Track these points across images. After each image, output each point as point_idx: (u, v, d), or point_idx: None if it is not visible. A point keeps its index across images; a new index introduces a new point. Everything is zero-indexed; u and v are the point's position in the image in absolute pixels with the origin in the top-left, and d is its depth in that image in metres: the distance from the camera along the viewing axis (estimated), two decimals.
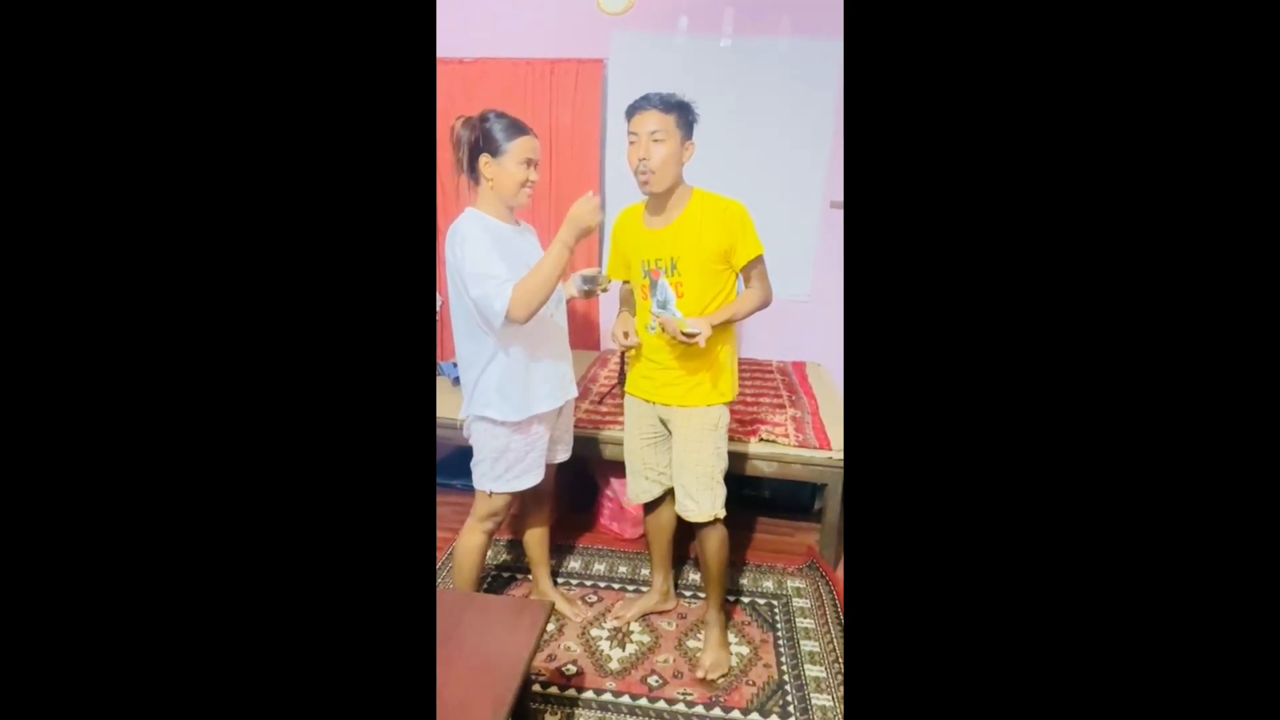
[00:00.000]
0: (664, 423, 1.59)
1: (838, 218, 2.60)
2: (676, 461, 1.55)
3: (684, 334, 1.36)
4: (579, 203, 1.32)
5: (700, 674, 1.60)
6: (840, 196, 2.63)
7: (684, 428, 1.53)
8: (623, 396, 2.14)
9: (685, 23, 2.56)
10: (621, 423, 2.05)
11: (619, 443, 2.02)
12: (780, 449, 1.94)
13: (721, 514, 1.55)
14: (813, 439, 2.00)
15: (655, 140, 1.37)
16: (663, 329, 1.42)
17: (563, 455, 1.71)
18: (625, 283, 1.64)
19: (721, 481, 1.55)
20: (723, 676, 1.60)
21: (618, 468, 2.12)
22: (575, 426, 2.04)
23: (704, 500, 1.53)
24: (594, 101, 2.65)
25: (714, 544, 1.58)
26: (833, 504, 1.98)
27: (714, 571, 1.61)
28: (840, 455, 1.92)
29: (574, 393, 1.65)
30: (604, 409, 2.17)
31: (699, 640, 1.72)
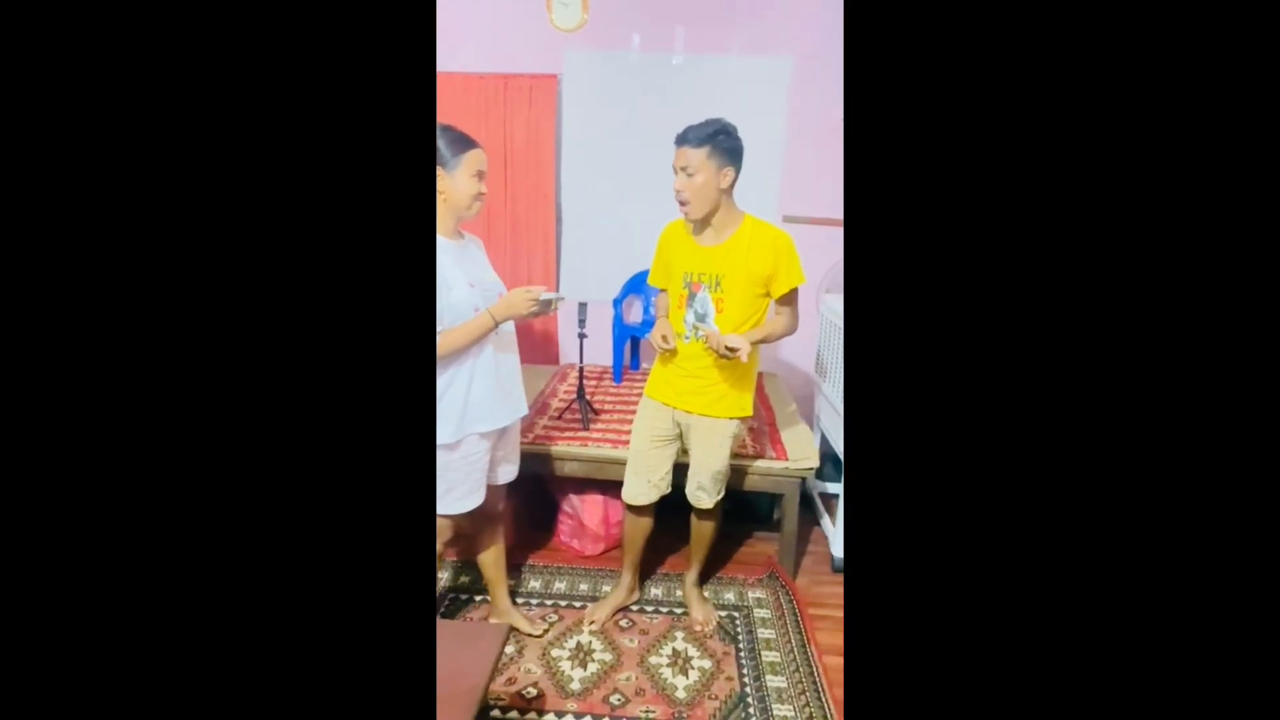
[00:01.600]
0: (679, 426, 1.69)
1: (791, 231, 2.65)
2: (695, 462, 1.71)
3: (727, 348, 1.45)
4: (517, 293, 1.42)
5: (698, 629, 1.81)
6: (792, 211, 2.69)
7: (705, 435, 1.66)
8: (585, 411, 2.14)
9: (638, 40, 2.60)
10: (582, 439, 2.04)
11: (578, 459, 2.00)
12: (740, 460, 1.96)
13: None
14: (769, 449, 2.02)
15: (689, 175, 1.47)
16: (706, 341, 1.53)
17: (506, 476, 1.66)
18: (664, 290, 1.71)
19: (728, 474, 1.75)
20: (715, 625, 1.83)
21: (576, 484, 2.10)
22: (533, 443, 2.02)
23: (714, 492, 1.73)
24: (549, 117, 2.65)
25: (711, 527, 1.81)
26: (790, 514, 2.00)
27: (704, 549, 1.85)
28: (797, 466, 1.95)
29: (522, 412, 1.61)
30: (562, 424, 2.16)
31: (661, 656, 1.71)
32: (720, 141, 1.47)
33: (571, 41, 2.60)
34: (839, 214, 2.64)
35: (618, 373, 2.63)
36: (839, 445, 2.16)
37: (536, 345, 2.91)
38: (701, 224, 1.57)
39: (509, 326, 1.54)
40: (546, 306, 1.46)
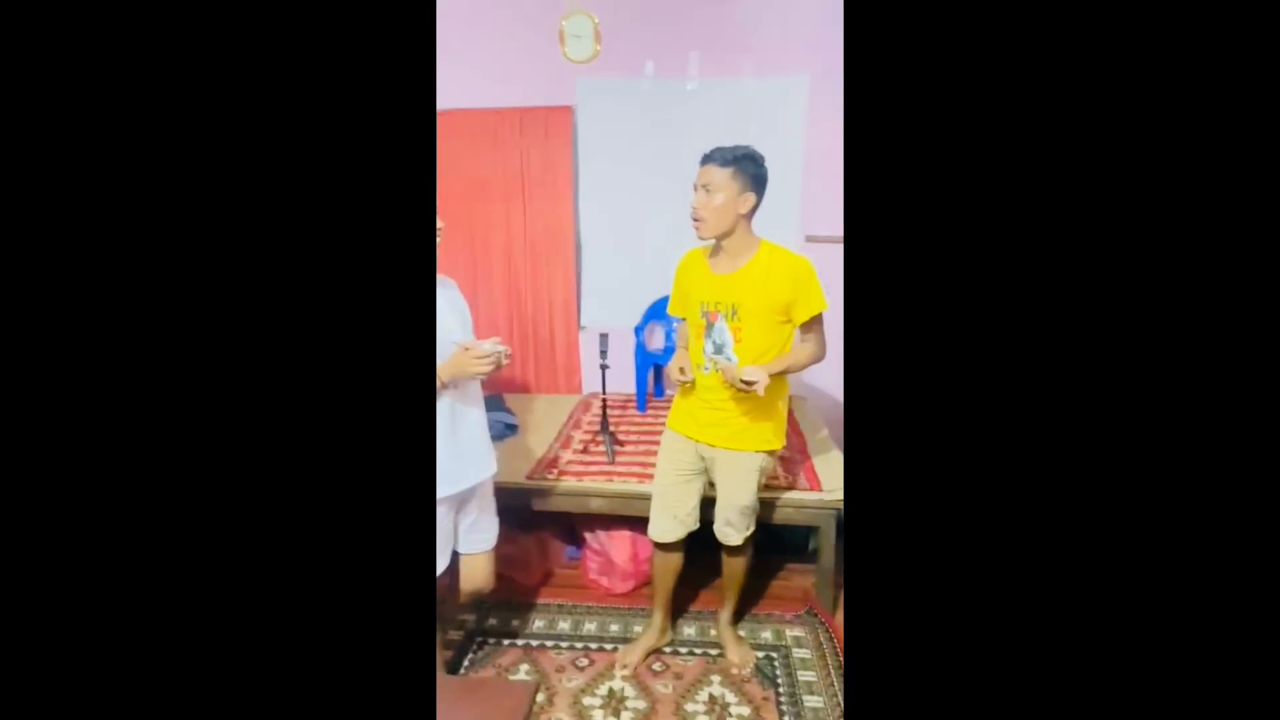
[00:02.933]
0: (703, 459, 1.63)
1: (814, 251, 2.60)
2: (721, 497, 1.64)
3: (743, 381, 1.39)
4: (460, 353, 1.29)
5: (735, 672, 1.74)
6: (815, 230, 2.64)
7: (729, 469, 1.60)
8: (609, 444, 2.10)
9: (651, 67, 2.59)
10: (607, 474, 2.00)
11: (604, 494, 1.95)
12: (770, 492, 1.89)
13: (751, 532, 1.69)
14: (803, 480, 1.95)
15: (708, 191, 1.44)
16: (721, 375, 1.48)
17: (481, 544, 1.52)
18: (684, 320, 1.67)
19: (757, 507, 1.67)
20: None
21: (603, 519, 2.05)
22: (558, 478, 1.98)
23: (742, 527, 1.66)
24: (565, 147, 2.65)
25: (742, 563, 1.74)
26: (826, 547, 1.92)
27: (737, 586, 1.77)
28: (832, 496, 1.87)
29: (489, 471, 1.48)
30: (586, 458, 2.11)
31: (697, 703, 1.64)
32: (745, 165, 1.45)
33: (585, 71, 2.61)
34: None
35: (641, 401, 2.59)
36: None
37: (559, 375, 2.88)
38: (717, 250, 1.53)
39: (472, 390, 1.42)
40: (497, 363, 1.32)
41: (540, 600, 2.04)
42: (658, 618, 1.80)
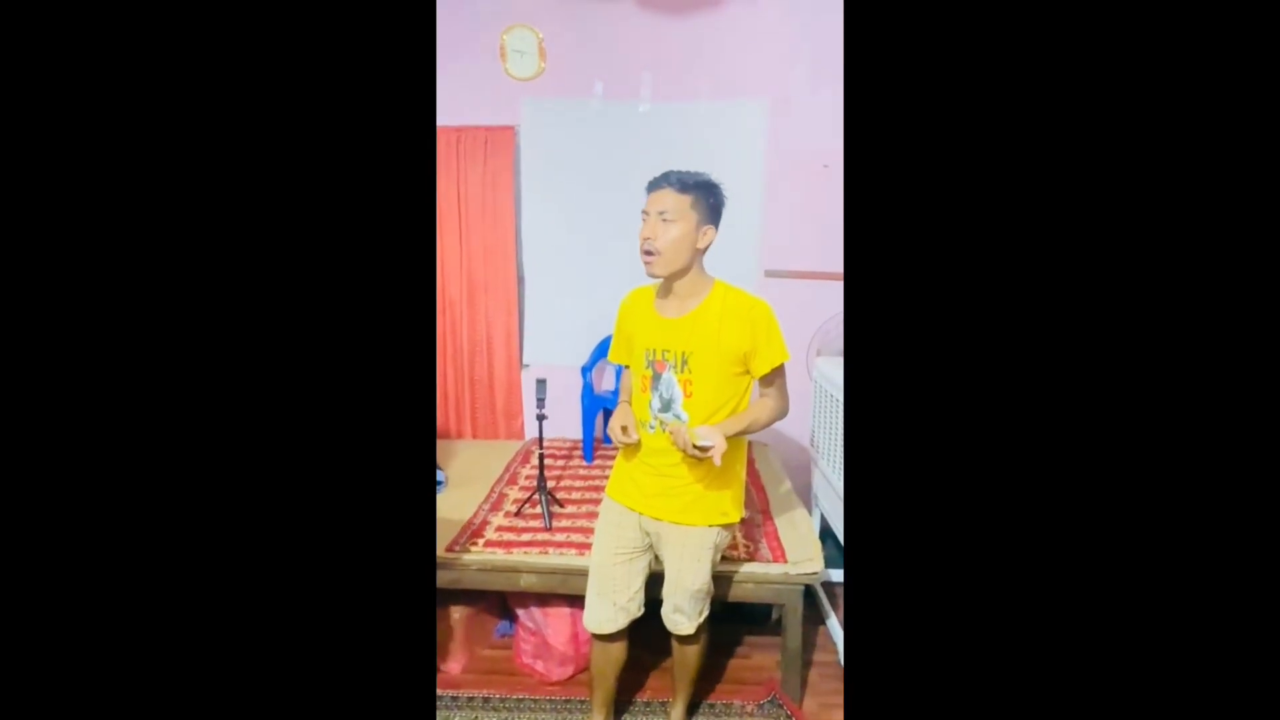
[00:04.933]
0: (648, 534, 1.40)
1: (775, 287, 2.42)
2: (670, 579, 1.40)
3: (696, 447, 1.19)
4: None
5: None
6: (774, 265, 2.46)
7: (679, 547, 1.36)
8: (545, 506, 1.83)
9: (601, 87, 2.40)
10: (542, 544, 1.73)
11: (538, 570, 1.68)
12: (727, 565, 1.64)
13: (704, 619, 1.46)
14: (764, 550, 1.72)
15: (664, 220, 1.24)
16: (671, 438, 1.25)
17: None
18: (627, 368, 1.44)
19: (711, 590, 1.44)
20: None
21: (538, 596, 1.77)
22: (485, 548, 1.70)
23: (693, 614, 1.42)
24: (507, 171, 2.43)
25: (695, 651, 1.50)
26: (792, 625, 1.68)
27: (690, 677, 1.54)
28: (798, 570, 1.64)
29: None
30: (521, 524, 1.84)
31: None
32: (705, 194, 1.26)
33: (529, 89, 2.40)
34: (826, 266, 2.41)
35: (588, 451, 2.33)
36: (840, 528, 1.86)
37: (499, 418, 2.61)
38: (670, 289, 1.31)
39: None
40: None
41: (463, 692, 1.74)
42: (598, 718, 1.52)
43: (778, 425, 2.61)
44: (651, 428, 1.33)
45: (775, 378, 1.32)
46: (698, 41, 2.34)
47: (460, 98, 2.39)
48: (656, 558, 1.44)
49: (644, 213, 1.28)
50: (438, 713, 1.66)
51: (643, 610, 1.44)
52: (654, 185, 1.28)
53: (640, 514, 1.38)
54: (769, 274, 2.46)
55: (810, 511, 2.13)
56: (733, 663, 1.89)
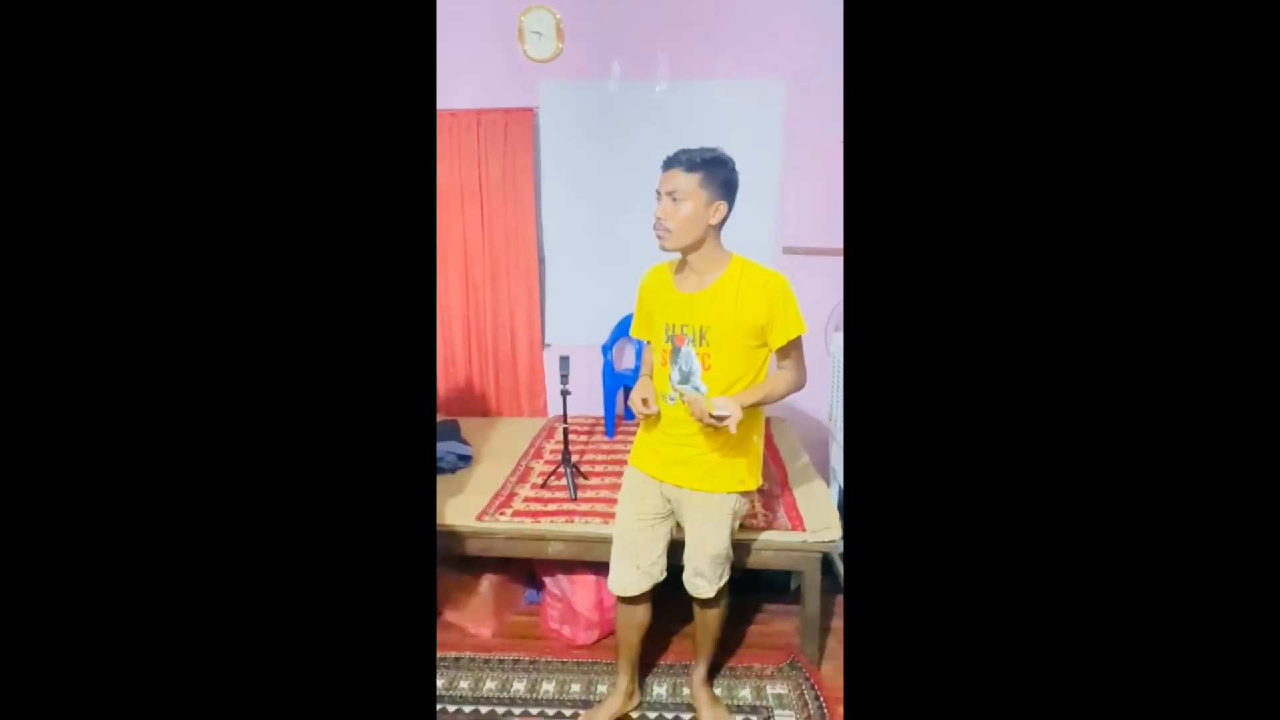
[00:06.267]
0: (669, 502, 1.45)
1: (793, 264, 2.44)
2: (690, 544, 1.46)
3: (712, 416, 1.23)
4: None
5: None
6: (792, 242, 2.48)
7: (699, 513, 1.42)
8: (570, 478, 1.90)
9: (618, 68, 2.42)
10: (568, 514, 1.79)
11: (564, 538, 1.75)
12: (746, 533, 1.70)
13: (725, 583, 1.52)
14: (783, 518, 1.77)
15: (675, 199, 1.28)
16: (689, 409, 1.29)
17: None
18: (648, 343, 1.49)
19: (731, 553, 1.50)
20: None
21: (567, 563, 1.84)
22: (513, 519, 1.78)
23: (714, 578, 1.48)
24: (526, 152, 2.46)
25: (717, 615, 1.55)
26: (810, 593, 1.73)
27: (711, 640, 1.59)
28: (816, 537, 1.69)
29: None
30: (547, 495, 1.91)
31: None
32: (715, 171, 1.28)
33: (547, 72, 2.43)
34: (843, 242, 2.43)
35: (610, 426, 2.39)
36: None
37: (522, 396, 2.68)
38: (687, 265, 1.36)
39: None
40: None
41: (494, 655, 1.82)
42: (623, 679, 1.59)
43: (796, 401, 2.65)
44: (671, 400, 1.38)
45: (792, 350, 1.36)
46: (714, 21, 2.35)
47: (479, 81, 2.43)
48: (678, 525, 1.49)
49: (657, 192, 1.32)
50: (470, 673, 1.75)
51: (664, 575, 1.50)
52: (666, 165, 1.31)
53: (661, 482, 1.44)
54: (787, 250, 2.48)
55: (829, 484, 2.17)
56: (753, 629, 1.95)
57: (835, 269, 2.42)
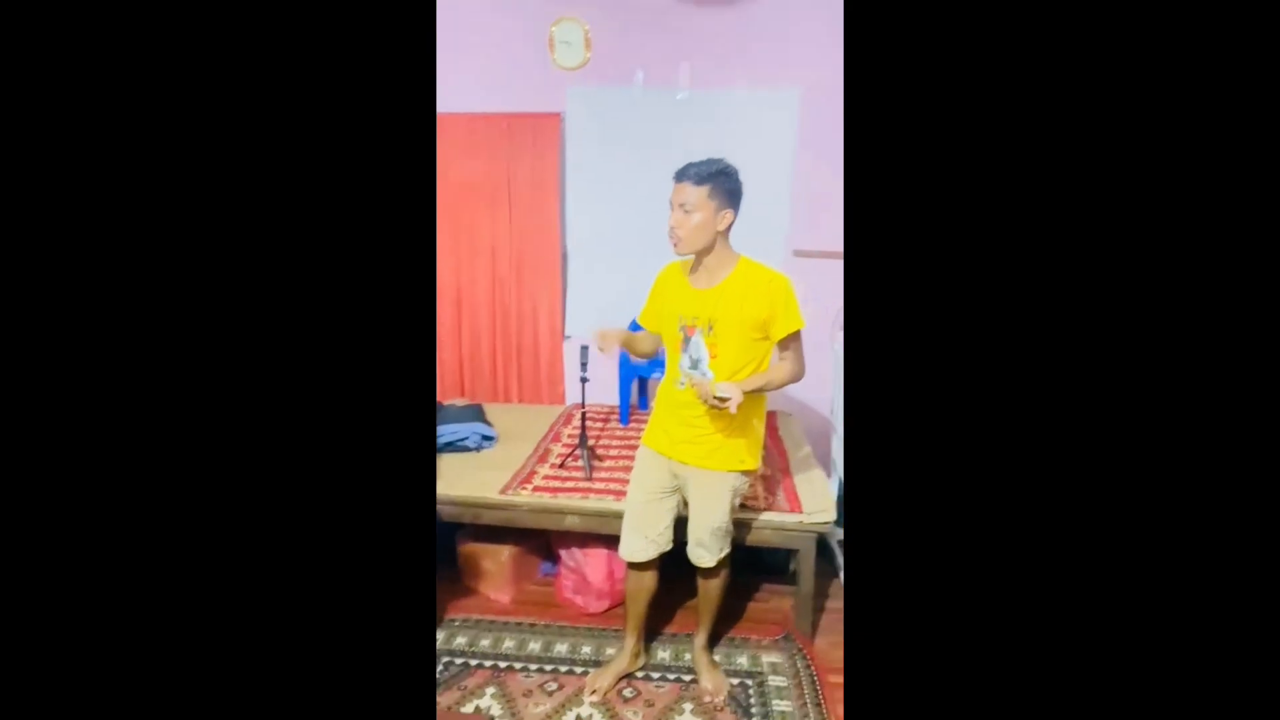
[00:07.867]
0: (677, 478, 1.60)
1: (803, 266, 2.57)
2: (694, 517, 1.60)
3: (716, 398, 1.36)
4: None
5: (707, 700, 1.66)
6: (802, 245, 2.60)
7: (703, 489, 1.57)
8: (586, 459, 2.05)
9: (642, 76, 2.56)
10: (584, 490, 1.94)
11: (579, 512, 1.90)
12: (747, 512, 1.83)
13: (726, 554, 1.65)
14: (782, 500, 1.90)
15: (685, 210, 1.42)
16: (696, 391, 1.44)
17: None
18: (648, 331, 1.67)
19: (731, 529, 1.64)
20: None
21: (579, 536, 2.00)
22: (533, 493, 1.93)
23: (715, 549, 1.61)
24: (553, 155, 2.61)
25: (717, 586, 1.69)
26: (806, 571, 1.87)
27: (712, 610, 1.72)
28: (812, 519, 1.82)
29: None
30: (564, 474, 2.06)
31: None
32: (721, 182, 1.43)
33: (574, 79, 2.57)
34: None
35: (624, 414, 2.54)
36: None
37: (542, 385, 2.83)
38: (700, 265, 1.51)
39: None
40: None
41: (512, 618, 1.98)
42: (630, 641, 1.74)
43: (801, 395, 2.77)
44: (681, 384, 1.53)
45: (791, 343, 1.49)
46: (735, 32, 2.48)
47: (511, 87, 2.58)
48: (684, 502, 1.64)
49: (670, 202, 1.47)
50: (490, 635, 1.91)
51: (670, 545, 1.65)
52: (676, 178, 1.44)
53: (670, 459, 1.59)
54: (798, 253, 2.60)
55: (829, 475, 2.29)
56: (751, 605, 2.08)
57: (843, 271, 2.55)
